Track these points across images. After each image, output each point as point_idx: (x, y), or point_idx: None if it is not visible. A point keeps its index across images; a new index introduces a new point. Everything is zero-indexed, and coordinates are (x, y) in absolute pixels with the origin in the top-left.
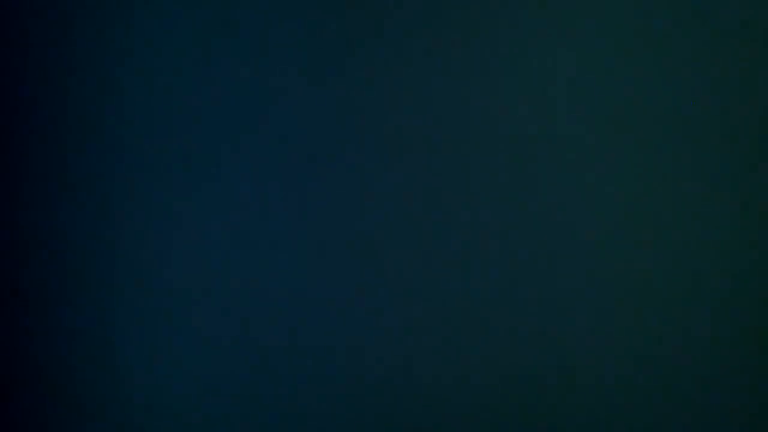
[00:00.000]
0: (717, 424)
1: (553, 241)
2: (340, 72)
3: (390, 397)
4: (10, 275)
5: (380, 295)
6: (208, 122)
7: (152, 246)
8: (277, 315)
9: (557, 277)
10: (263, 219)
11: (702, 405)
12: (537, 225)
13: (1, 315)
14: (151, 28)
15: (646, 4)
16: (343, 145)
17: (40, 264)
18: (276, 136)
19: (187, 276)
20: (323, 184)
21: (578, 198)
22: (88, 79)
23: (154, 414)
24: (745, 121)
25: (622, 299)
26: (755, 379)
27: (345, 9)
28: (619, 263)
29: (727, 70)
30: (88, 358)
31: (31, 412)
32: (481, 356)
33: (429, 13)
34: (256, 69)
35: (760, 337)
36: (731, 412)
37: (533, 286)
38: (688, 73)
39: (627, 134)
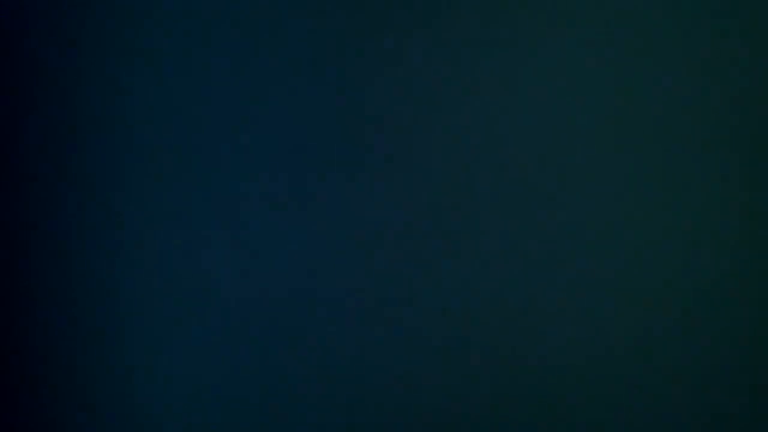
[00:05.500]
0: (717, 425)
1: (555, 242)
2: (341, 71)
3: (391, 397)
4: (10, 275)
5: (381, 296)
6: (209, 121)
7: (153, 245)
8: (278, 315)
9: (559, 278)
10: (265, 218)
11: (703, 406)
12: (540, 226)
13: (1, 315)
14: (148, 25)
15: (650, 4)
16: (345, 145)
17: (41, 264)
18: (277, 135)
19: (187, 276)
20: (325, 184)
21: (580, 200)
22: (87, 77)
23: (155, 414)
24: (750, 121)
25: (625, 300)
26: (758, 380)
27: (345, 8)
28: (623, 265)
29: (732, 70)
30: (90, 359)
31: (32, 412)
32: (483, 358)
33: (430, 12)
34: (256, 68)
35: (761, 338)
36: (733, 414)
37: (535, 287)
38: (692, 74)
39: (628, 134)
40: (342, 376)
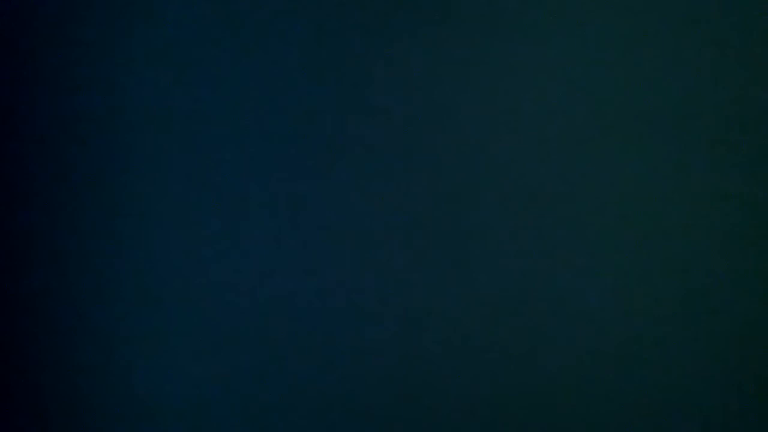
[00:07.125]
0: (717, 425)
1: (555, 242)
2: (341, 71)
3: (391, 397)
4: (10, 275)
5: (382, 296)
6: (208, 121)
7: (153, 245)
8: (278, 314)
9: (560, 278)
10: (265, 218)
11: (703, 406)
12: (540, 226)
13: (1, 315)
14: (148, 25)
15: (650, 4)
16: (345, 145)
17: (41, 264)
18: (277, 135)
19: (187, 276)
20: (325, 184)
21: (580, 199)
22: (87, 77)
23: (156, 414)
24: (750, 121)
25: (627, 301)
26: (757, 380)
27: (345, 8)
28: (623, 264)
29: (732, 70)
30: (90, 359)
31: (32, 412)
32: (483, 359)
33: (430, 12)
34: (256, 68)
35: (761, 338)
36: (733, 414)
37: (536, 286)
38: (692, 73)
39: (629, 134)
40: (342, 376)
